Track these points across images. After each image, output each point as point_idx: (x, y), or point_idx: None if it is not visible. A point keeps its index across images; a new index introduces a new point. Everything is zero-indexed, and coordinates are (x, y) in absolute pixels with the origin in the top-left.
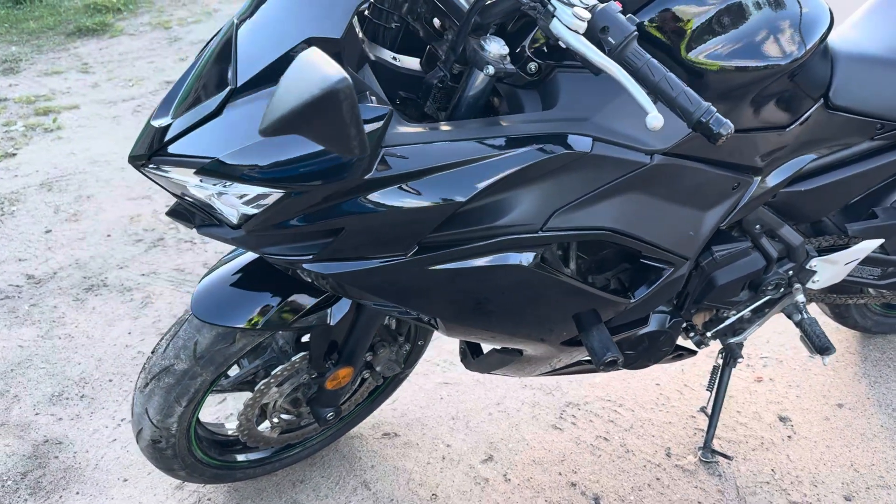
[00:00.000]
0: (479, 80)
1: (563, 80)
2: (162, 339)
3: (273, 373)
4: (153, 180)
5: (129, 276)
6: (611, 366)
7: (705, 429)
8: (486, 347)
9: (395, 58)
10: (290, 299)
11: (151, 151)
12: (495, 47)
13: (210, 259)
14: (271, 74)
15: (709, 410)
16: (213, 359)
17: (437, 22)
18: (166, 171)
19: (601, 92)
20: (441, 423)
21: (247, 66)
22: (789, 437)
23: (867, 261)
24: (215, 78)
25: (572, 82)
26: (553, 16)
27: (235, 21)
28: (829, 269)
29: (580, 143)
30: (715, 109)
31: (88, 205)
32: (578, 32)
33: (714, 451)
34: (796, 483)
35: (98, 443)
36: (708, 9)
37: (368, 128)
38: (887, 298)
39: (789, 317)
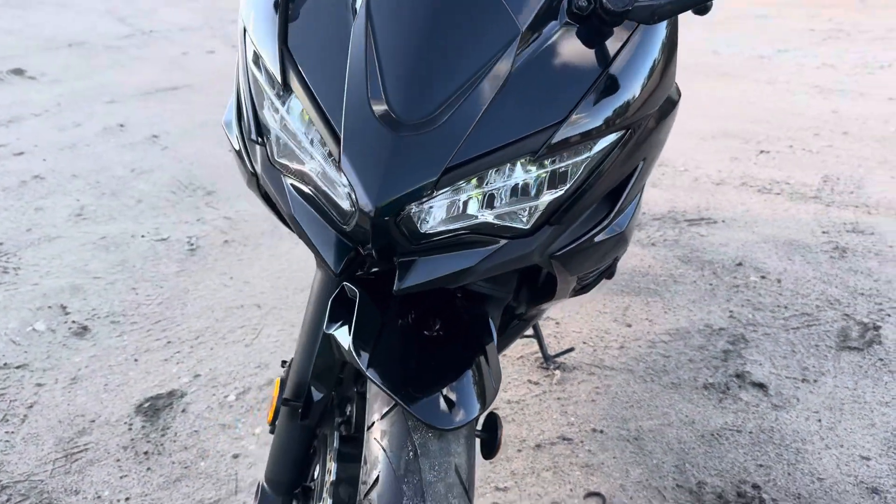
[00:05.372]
0: None
1: None
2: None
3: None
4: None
5: None
6: None
7: (525, 354)
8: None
9: None
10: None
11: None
12: None
13: None
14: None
15: (530, 332)
16: None
17: None
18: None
19: None
20: None
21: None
22: (557, 324)
23: None
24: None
25: None
26: None
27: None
28: None
29: None
30: None
31: None
32: None
33: (556, 356)
34: (597, 341)
35: None
36: None
37: None
38: None
39: None
